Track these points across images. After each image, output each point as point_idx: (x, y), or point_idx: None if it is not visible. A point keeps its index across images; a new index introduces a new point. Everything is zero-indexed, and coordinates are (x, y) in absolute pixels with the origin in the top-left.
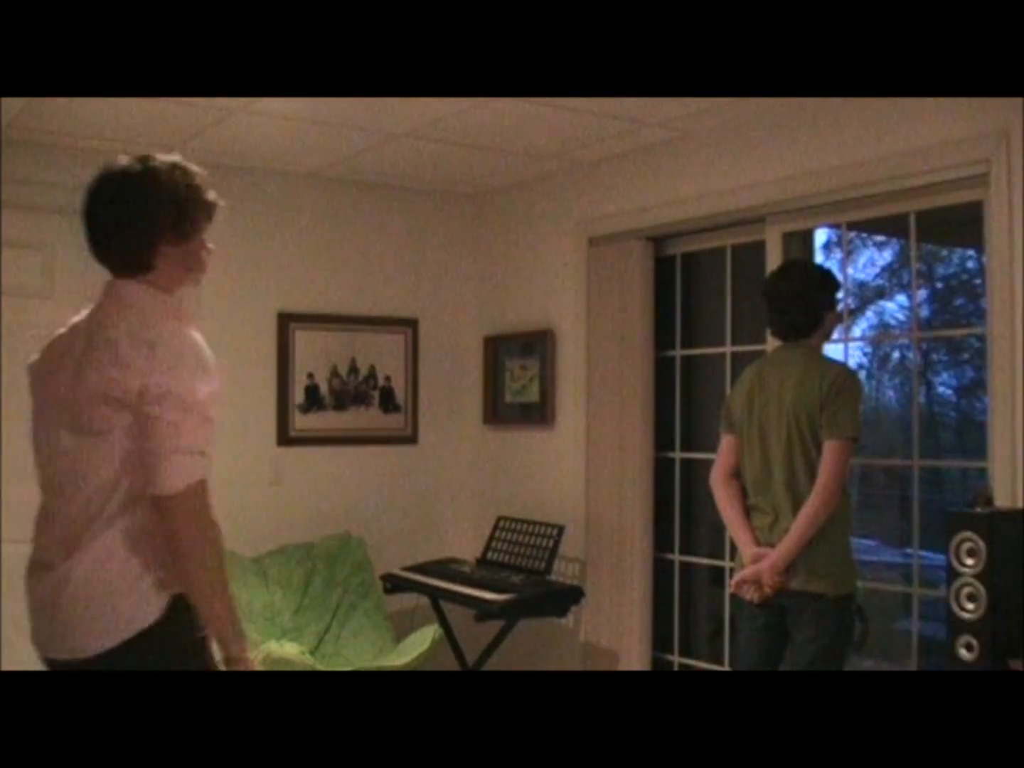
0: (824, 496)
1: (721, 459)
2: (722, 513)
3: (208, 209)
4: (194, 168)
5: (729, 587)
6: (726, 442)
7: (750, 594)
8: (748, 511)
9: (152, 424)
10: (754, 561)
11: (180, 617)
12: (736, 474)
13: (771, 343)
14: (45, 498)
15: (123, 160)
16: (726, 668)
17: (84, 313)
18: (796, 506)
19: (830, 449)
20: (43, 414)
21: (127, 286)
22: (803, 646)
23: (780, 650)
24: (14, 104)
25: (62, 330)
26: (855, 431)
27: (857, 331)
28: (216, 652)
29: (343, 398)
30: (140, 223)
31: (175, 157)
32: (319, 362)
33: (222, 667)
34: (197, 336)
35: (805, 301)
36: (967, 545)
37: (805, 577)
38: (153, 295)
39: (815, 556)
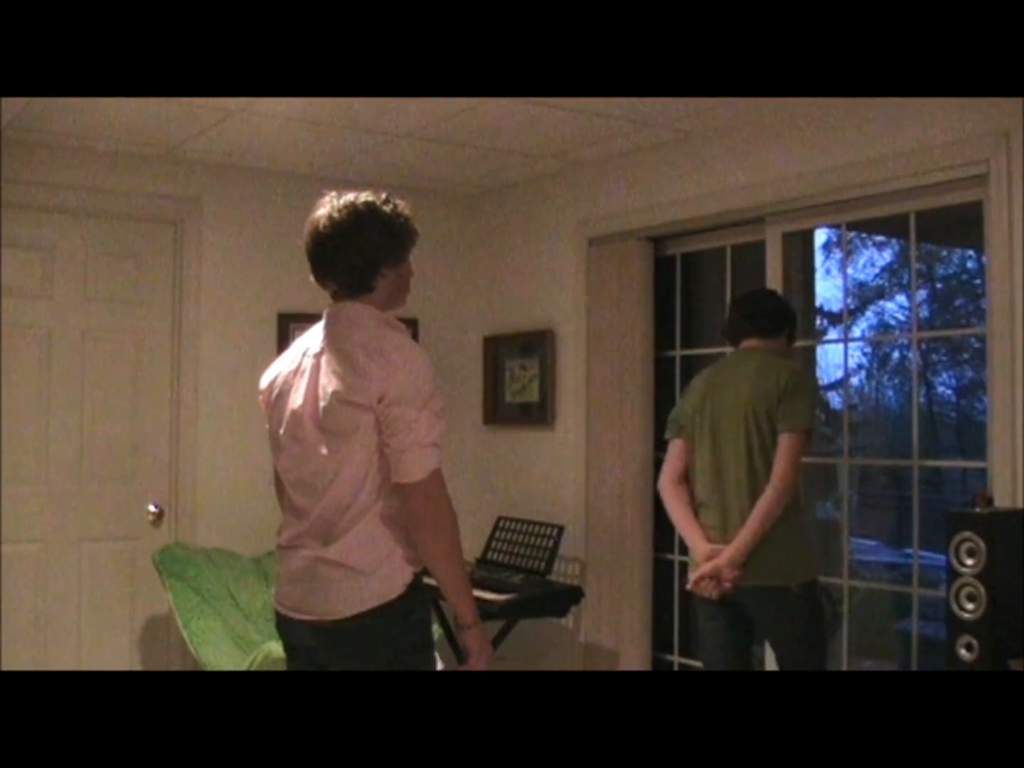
0: (780, 488)
1: (670, 464)
2: (671, 514)
3: (415, 236)
4: (400, 201)
5: (687, 586)
6: (675, 446)
7: (708, 590)
8: (696, 511)
9: (393, 423)
10: (708, 558)
11: (417, 595)
12: (685, 478)
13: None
14: (294, 497)
15: (341, 198)
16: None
17: (305, 335)
18: (754, 499)
19: (785, 440)
20: (285, 425)
21: (351, 307)
22: (780, 641)
23: (748, 645)
24: (14, 104)
25: (285, 353)
26: (809, 423)
27: (857, 331)
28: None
29: None
30: (368, 249)
31: (382, 193)
32: None
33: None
34: (417, 345)
35: (772, 308)
36: (967, 545)
37: (764, 571)
38: (373, 313)
39: (772, 549)
